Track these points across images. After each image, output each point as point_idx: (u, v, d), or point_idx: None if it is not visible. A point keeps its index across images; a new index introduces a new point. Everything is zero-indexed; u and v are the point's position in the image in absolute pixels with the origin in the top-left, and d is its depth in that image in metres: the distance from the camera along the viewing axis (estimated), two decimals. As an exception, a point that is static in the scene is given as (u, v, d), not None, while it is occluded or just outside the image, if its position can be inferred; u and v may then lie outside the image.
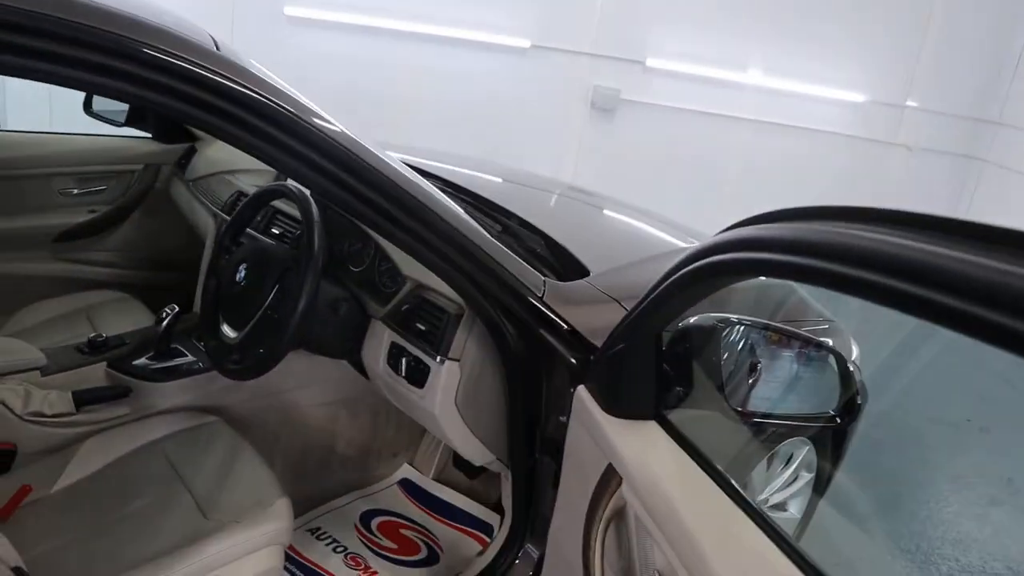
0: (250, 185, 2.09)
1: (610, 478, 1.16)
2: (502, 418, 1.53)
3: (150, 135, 2.46)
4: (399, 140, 2.29)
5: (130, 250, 2.50)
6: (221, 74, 1.02)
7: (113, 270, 2.49)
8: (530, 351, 1.39)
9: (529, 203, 2.17)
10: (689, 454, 1.06)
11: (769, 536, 0.91)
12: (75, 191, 2.36)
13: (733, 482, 0.99)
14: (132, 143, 2.44)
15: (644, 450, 1.10)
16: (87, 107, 2.43)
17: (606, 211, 2.51)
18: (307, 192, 1.53)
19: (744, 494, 0.96)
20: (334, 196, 1.19)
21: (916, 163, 5.20)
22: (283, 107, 1.09)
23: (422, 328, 1.49)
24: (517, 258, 1.41)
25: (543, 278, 1.43)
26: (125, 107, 2.43)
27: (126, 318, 2.14)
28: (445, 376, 1.47)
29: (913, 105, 5.11)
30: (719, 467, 1.03)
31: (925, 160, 5.20)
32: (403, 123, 4.81)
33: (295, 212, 1.78)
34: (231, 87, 1.03)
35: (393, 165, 1.24)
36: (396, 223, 1.24)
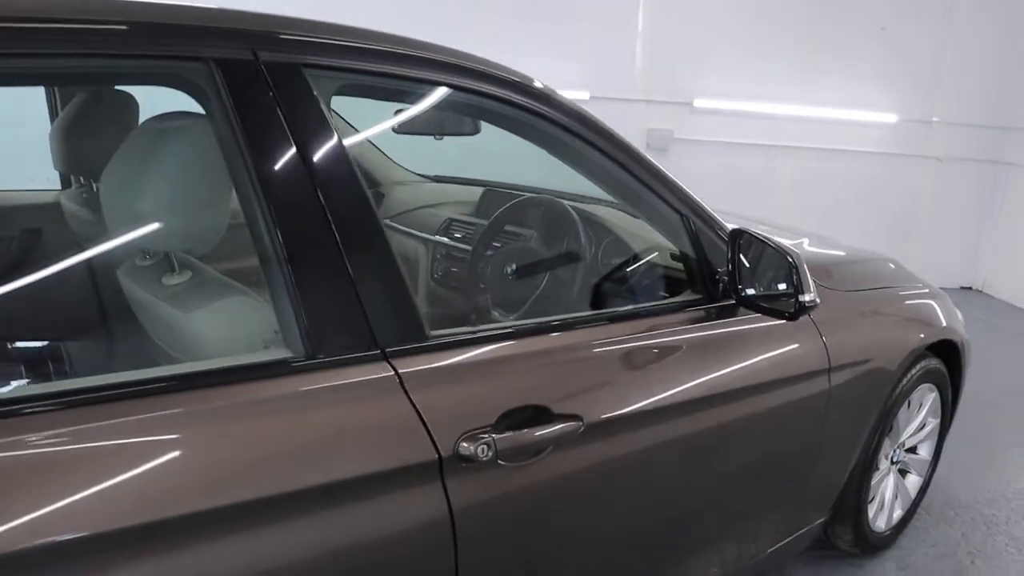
0: (453, 212, 2.54)
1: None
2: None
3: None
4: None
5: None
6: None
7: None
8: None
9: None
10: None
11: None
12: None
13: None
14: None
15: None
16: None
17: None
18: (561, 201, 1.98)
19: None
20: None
21: (948, 172, 5.68)
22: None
23: None
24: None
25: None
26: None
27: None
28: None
29: (939, 120, 5.60)
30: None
31: (955, 169, 5.68)
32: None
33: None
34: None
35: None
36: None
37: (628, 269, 1.87)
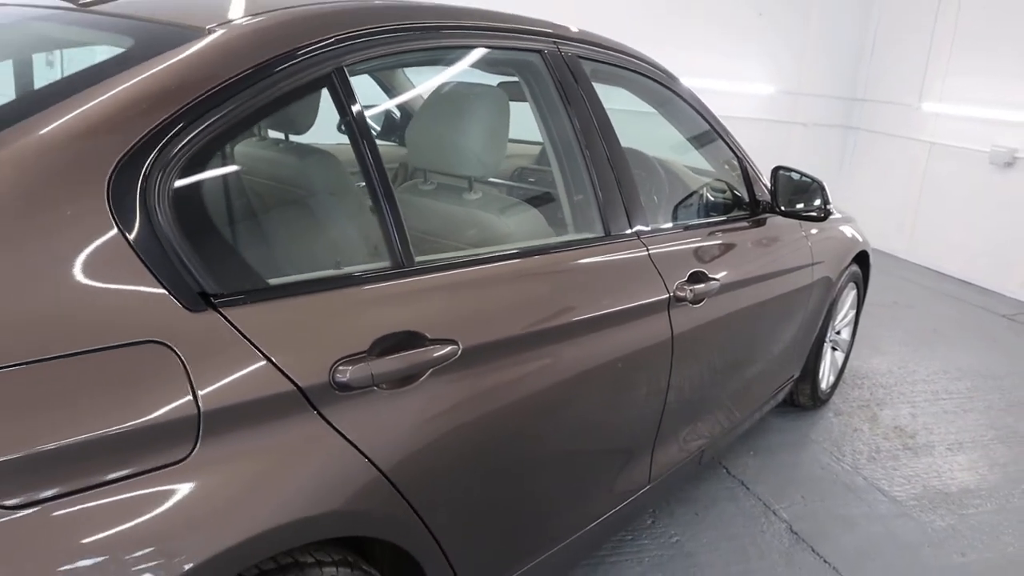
0: (526, 163, 3.24)
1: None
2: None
3: (395, 142, 3.50)
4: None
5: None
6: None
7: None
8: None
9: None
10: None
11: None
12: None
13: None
14: (388, 149, 3.47)
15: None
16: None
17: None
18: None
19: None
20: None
21: (810, 135, 6.90)
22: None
23: None
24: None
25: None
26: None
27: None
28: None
29: (804, 92, 6.80)
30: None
31: (816, 132, 6.91)
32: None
33: None
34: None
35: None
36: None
37: (702, 194, 2.69)
